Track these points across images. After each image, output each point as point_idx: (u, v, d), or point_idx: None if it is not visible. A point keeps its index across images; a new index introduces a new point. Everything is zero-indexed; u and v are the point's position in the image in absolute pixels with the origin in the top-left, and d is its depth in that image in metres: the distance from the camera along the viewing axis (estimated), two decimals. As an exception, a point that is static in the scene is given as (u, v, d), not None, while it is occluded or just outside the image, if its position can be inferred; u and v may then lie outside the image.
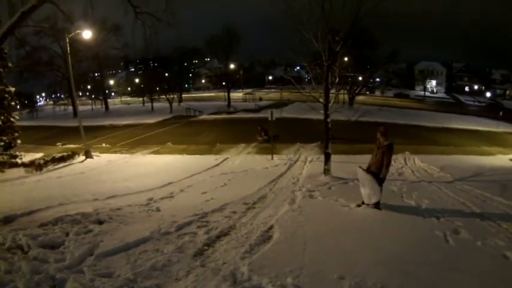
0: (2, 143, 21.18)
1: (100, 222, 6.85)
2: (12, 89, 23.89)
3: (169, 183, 11.99)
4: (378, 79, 70.07)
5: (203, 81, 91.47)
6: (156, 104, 54.49)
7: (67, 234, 6.04)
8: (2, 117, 22.17)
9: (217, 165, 16.11)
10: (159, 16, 13.52)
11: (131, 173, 14.63)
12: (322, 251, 5.41)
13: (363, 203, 7.87)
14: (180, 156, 18.57)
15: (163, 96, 52.28)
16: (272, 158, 17.01)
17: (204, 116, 41.04)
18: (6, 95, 22.78)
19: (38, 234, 5.94)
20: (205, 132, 27.89)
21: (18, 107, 26.59)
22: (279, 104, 45.80)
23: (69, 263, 5.06)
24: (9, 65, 24.32)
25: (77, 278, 4.64)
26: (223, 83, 62.78)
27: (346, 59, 33.68)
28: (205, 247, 5.81)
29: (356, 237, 6.06)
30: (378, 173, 7.48)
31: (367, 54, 47.58)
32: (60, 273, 4.72)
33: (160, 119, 40.01)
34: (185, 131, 29.25)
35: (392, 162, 10.28)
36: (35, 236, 5.82)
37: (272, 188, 10.97)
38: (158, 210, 8.43)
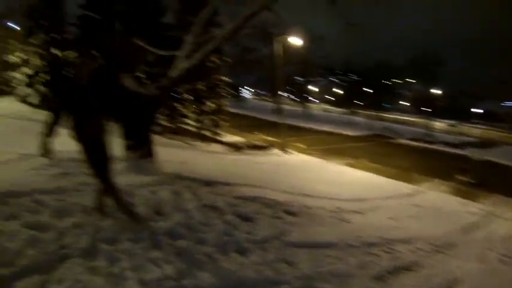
0: (212, 121, 23.94)
1: (291, 214, 6.92)
2: (228, 80, 26.86)
3: (359, 199, 11.48)
4: None
5: (403, 103, 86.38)
6: (354, 118, 53.24)
7: (259, 213, 6.26)
8: (216, 101, 25.15)
9: (408, 194, 14.97)
10: (366, 27, 13.01)
11: (323, 177, 14.50)
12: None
13: None
14: (373, 175, 17.75)
15: (363, 111, 51.36)
16: (468, 204, 15.12)
17: (402, 140, 38.47)
18: (222, 84, 25.77)
19: (234, 203, 6.33)
20: (401, 157, 25.90)
21: (228, 95, 29.46)
22: (485, 144, 40.29)
23: (257, 238, 5.26)
24: (227, 59, 27.43)
25: (261, 253, 4.81)
26: (424, 109, 58.17)
27: None
28: (387, 274, 5.40)
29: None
30: None
31: None
32: (247, 243, 4.97)
33: (358, 133, 39.00)
34: (381, 151, 27.73)
35: None
36: (231, 205, 6.21)
37: (462, 236, 9.67)
38: (347, 221, 8.15)
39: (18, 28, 26.56)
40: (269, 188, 9.24)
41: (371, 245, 6.43)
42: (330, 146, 26.12)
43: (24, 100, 23.96)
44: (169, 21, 27.79)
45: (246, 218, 5.85)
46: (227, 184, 8.38)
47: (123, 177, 6.84)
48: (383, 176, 17.84)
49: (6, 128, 16.31)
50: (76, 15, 26.63)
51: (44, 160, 9.28)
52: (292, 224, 6.18)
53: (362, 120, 50.56)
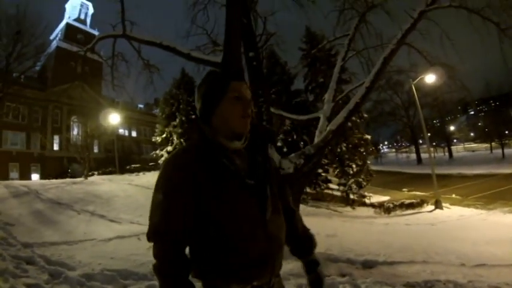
0: (356, 183, 22.22)
1: (482, 308, 4.68)
2: (368, 137, 25.16)
3: (552, 266, 8.42)
4: None
5: None
6: (507, 151, 43.26)
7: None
8: (359, 161, 23.50)
9: None
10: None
11: (491, 234, 11.11)
12: None
13: None
14: (555, 222, 13.61)
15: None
16: None
17: None
18: (363, 142, 24.14)
19: (407, 300, 4.48)
20: None
21: (370, 153, 27.54)
22: None
23: None
24: (365, 115, 25.93)
25: None
26: None
27: None
28: None
29: None
30: None
31: None
32: None
33: (518, 169, 31.19)
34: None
35: None
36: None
37: None
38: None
39: (161, 114, 30.71)
40: (439, 263, 7.16)
41: None
42: (488, 191, 21.59)
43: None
44: (296, 87, 28.01)
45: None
46: (390, 264, 6.64)
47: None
48: None
49: (146, 199, 17.07)
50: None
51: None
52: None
53: (518, 152, 41.04)
